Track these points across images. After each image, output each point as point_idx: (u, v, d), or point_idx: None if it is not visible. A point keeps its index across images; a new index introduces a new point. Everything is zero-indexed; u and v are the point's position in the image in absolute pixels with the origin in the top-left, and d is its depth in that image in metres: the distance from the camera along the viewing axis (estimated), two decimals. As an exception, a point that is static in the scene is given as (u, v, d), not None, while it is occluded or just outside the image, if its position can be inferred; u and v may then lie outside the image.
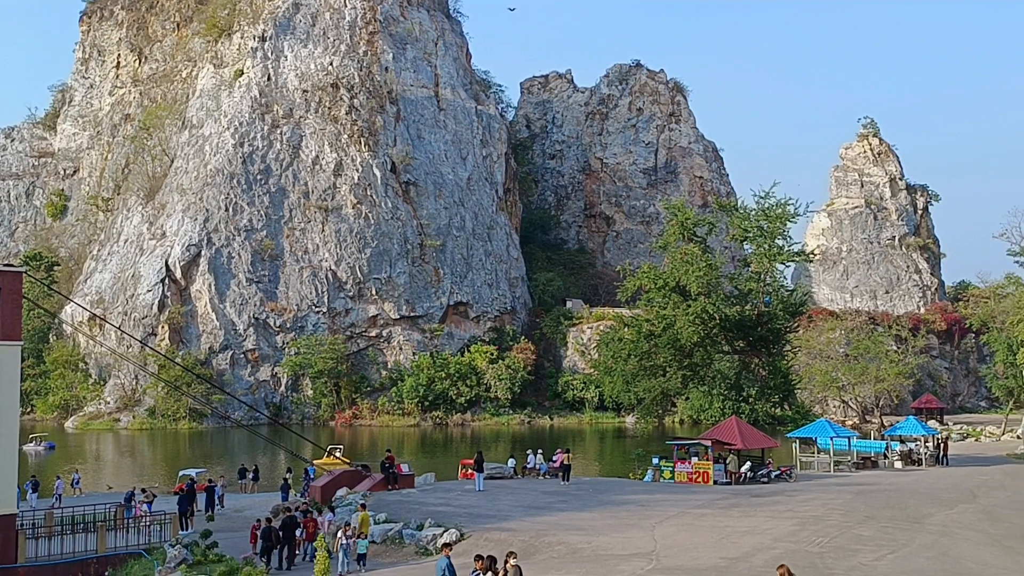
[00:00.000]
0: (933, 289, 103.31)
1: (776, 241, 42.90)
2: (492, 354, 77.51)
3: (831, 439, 37.62)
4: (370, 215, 77.53)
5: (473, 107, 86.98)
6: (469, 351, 78.42)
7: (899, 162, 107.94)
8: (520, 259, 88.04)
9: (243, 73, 79.40)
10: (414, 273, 78.64)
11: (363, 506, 22.13)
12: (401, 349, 77.80)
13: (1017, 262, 49.39)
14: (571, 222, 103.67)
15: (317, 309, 76.31)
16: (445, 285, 79.70)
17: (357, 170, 78.11)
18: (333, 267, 76.65)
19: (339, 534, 19.18)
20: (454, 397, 75.92)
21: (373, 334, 77.68)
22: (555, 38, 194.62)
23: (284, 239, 76.52)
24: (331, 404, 75.20)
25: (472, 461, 31.06)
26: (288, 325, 75.59)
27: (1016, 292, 58.93)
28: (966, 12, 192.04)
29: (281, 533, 20.04)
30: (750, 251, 46.08)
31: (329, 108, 79.23)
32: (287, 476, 32.62)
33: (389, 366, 77.49)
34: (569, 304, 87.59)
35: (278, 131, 78.59)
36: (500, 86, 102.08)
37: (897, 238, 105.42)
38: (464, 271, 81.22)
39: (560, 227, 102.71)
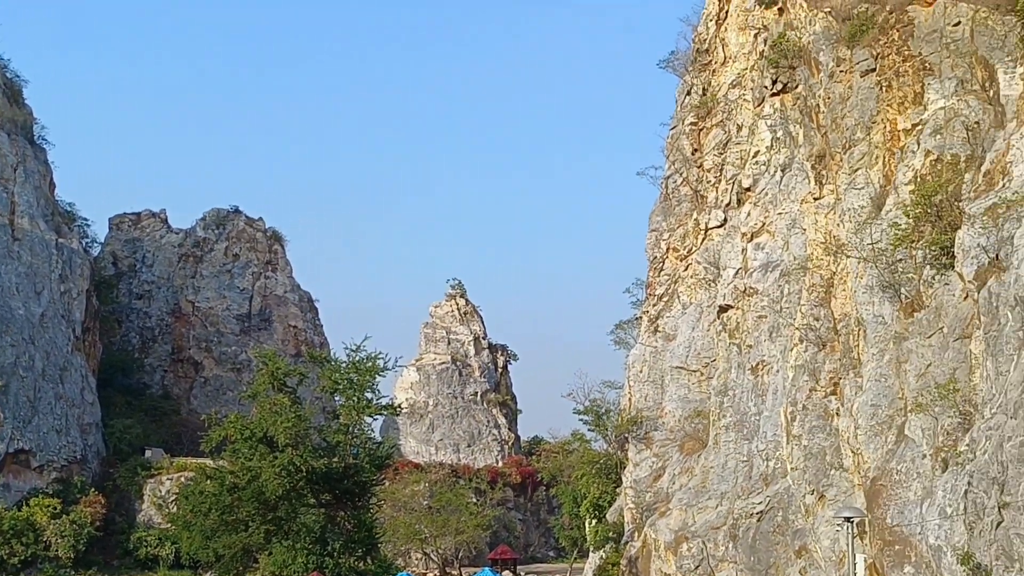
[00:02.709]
0: (510, 443, 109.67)
1: (366, 394, 43.73)
2: (56, 508, 70.60)
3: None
4: (-81, 351, 68.75)
5: (53, 239, 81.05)
6: (28, 505, 70.84)
7: (483, 322, 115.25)
8: (96, 404, 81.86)
9: None
10: (-31, 417, 70.29)
11: None
12: (-55, 503, 68.46)
13: (581, 420, 54.00)
14: (156, 366, 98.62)
15: None
16: (5, 431, 71.94)
17: (-92, 299, 69.39)
18: None
19: None
20: (5, 557, 67.78)
21: (-89, 486, 67.80)
22: (151, 175, 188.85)
23: None
24: None
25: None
26: None
27: (581, 448, 64.28)
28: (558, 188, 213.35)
29: None
30: (340, 403, 46.52)
31: None
32: None
33: (-74, 523, 67.71)
34: (148, 454, 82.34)
35: None
36: (87, 220, 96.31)
37: (479, 394, 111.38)
38: (29, 415, 73.95)
39: (144, 371, 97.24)
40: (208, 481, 42.99)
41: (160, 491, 78.35)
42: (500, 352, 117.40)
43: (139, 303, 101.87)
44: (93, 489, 77.87)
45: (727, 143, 43.10)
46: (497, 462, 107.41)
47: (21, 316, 75.66)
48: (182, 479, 71.56)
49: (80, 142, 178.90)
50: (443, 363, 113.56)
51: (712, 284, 42.46)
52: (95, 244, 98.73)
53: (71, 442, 77.60)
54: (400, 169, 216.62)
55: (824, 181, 35.34)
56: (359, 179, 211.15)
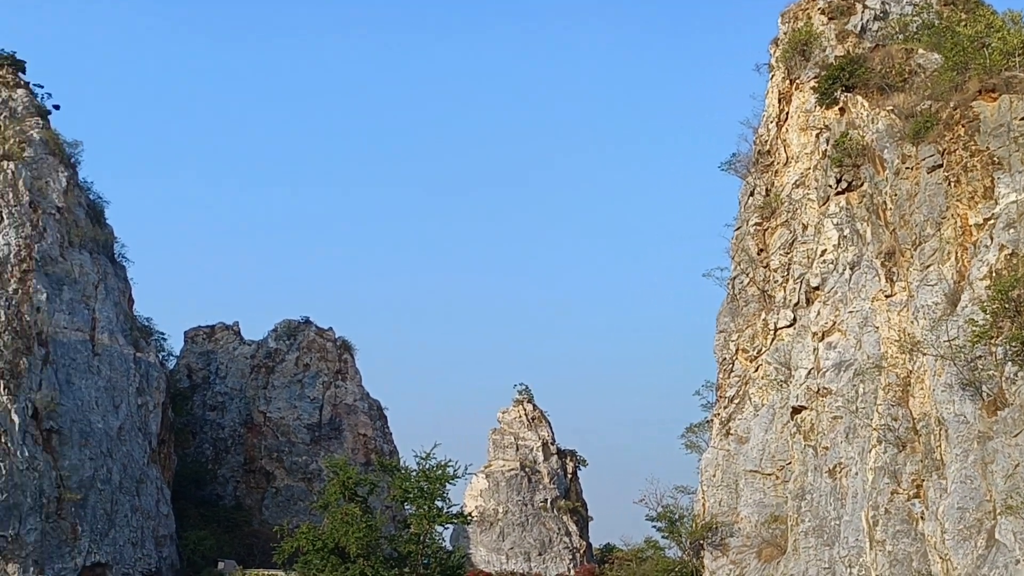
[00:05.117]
0: (582, 551, 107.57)
1: (436, 502, 43.58)
2: (131, 622, 70.62)
3: None
4: (2, 464, 70.25)
5: (131, 354, 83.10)
6: (104, 619, 70.98)
7: (551, 427, 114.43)
8: (171, 515, 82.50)
9: None
10: (47, 530, 71.20)
11: None
12: (23, 618, 68.96)
13: (654, 526, 53.01)
14: (229, 477, 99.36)
15: (-76, 571, 66.71)
16: (83, 544, 72.65)
17: (-8, 414, 71.30)
18: (-50, 522, 67.94)
19: None
20: (81, 673, 67.70)
21: (-10, 600, 68.56)
22: (224, 289, 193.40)
23: None
24: None
25: None
26: None
27: (654, 555, 62.89)
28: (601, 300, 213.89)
29: None
30: (411, 512, 46.38)
31: (-34, 346, 72.78)
32: None
33: (6, 638, 68.13)
34: (221, 565, 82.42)
35: (-99, 368, 70.81)
36: (163, 334, 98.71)
37: (549, 501, 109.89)
38: (106, 528, 74.73)
39: (217, 482, 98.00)
40: (280, 593, 42.94)
41: (232, 604, 78.03)
42: (569, 458, 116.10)
43: (212, 414, 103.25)
44: (166, 602, 77.88)
45: (793, 242, 43.04)
46: (569, 570, 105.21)
47: (100, 430, 77.25)
48: (254, 591, 71.31)
49: (158, 259, 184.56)
50: (512, 470, 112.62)
51: (783, 385, 41.88)
52: (171, 357, 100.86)
53: (147, 554, 78.02)
54: (462, 275, 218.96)
55: (895, 278, 35.00)
56: (424, 288, 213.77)
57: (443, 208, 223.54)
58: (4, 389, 72.44)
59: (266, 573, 68.53)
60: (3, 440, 71.02)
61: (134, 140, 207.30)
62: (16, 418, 72.39)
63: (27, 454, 72.23)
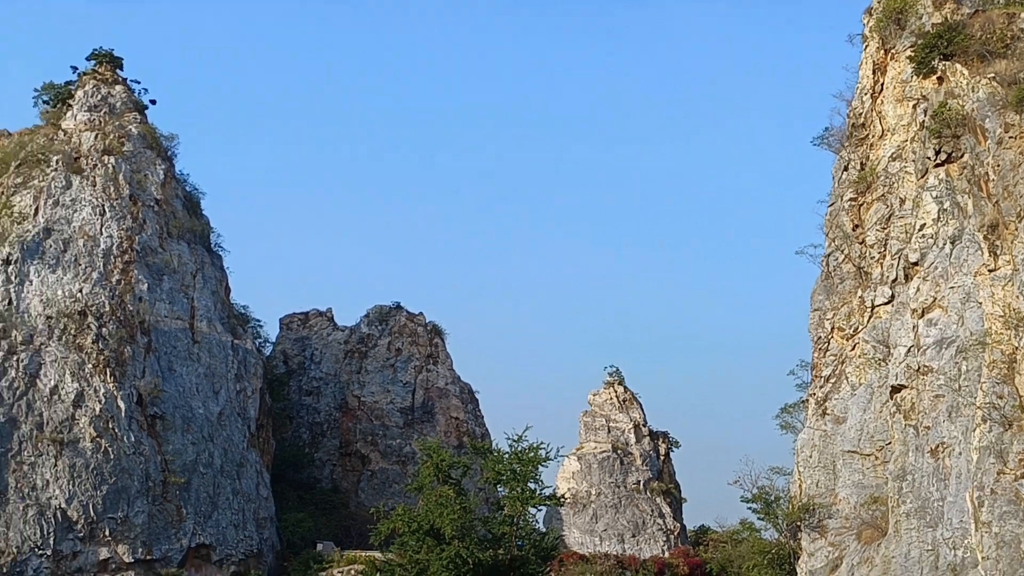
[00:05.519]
0: (676, 533, 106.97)
1: (529, 484, 43.72)
2: (235, 601, 72.68)
3: None
4: (110, 449, 72.87)
5: (229, 341, 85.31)
6: (209, 598, 73.20)
7: (642, 409, 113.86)
8: (270, 498, 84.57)
9: (-19, 295, 75.06)
10: (154, 512, 73.69)
11: None
12: (133, 597, 71.53)
13: (749, 508, 52.42)
14: (325, 460, 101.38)
15: (40, 552, 69.52)
16: (187, 525, 75.00)
17: (100, 401, 73.94)
18: (63, 505, 70.72)
19: None
20: (189, 650, 70.02)
21: (102, 580, 71.21)
22: (319, 276, 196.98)
23: (10, 474, 70.27)
24: (46, 661, 67.19)
25: None
26: (4, 570, 68.21)
27: (750, 537, 62.27)
28: (700, 271, 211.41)
29: None
30: (503, 494, 46.63)
31: (74, 336, 75.50)
32: None
33: (118, 617, 70.74)
34: (320, 547, 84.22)
35: (14, 358, 73.80)
36: (259, 321, 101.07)
37: (642, 483, 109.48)
38: (209, 511, 76.98)
39: (314, 465, 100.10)
40: (378, 574, 43.66)
41: (331, 584, 79.69)
42: (661, 439, 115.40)
43: (308, 399, 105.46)
44: (269, 582, 79.98)
45: (890, 217, 41.87)
46: (663, 553, 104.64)
47: (201, 415, 79.50)
48: (352, 572, 72.67)
49: (253, 248, 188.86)
50: (604, 452, 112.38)
51: (882, 363, 40.87)
52: (267, 344, 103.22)
53: (248, 536, 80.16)
54: (550, 257, 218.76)
55: (998, 252, 33.83)
56: (513, 271, 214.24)
57: (532, 189, 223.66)
58: (110, 377, 75.07)
59: (363, 554, 69.75)
60: (111, 426, 73.64)
61: (228, 131, 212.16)
62: (122, 405, 74.96)
63: (133, 439, 74.78)
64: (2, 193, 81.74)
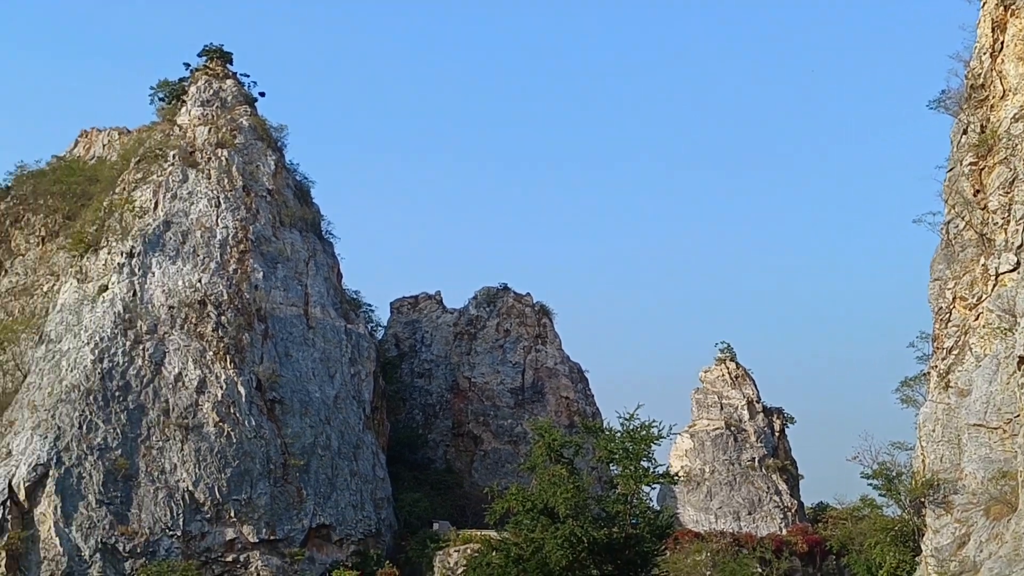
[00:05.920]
0: (793, 510, 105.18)
1: (642, 463, 43.51)
2: (356, 579, 74.42)
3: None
4: (232, 433, 75.34)
5: (343, 326, 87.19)
6: (331, 576, 75.18)
7: (755, 385, 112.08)
8: (386, 479, 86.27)
9: (107, 288, 78.15)
10: (276, 494, 75.96)
11: None
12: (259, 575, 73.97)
13: (870, 484, 51.14)
14: (439, 441, 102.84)
15: (171, 533, 72.41)
16: (308, 506, 77.09)
17: (221, 387, 76.44)
18: (191, 488, 73.47)
19: None
20: (314, 626, 72.09)
21: (229, 559, 73.66)
22: (426, 260, 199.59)
23: (140, 458, 73.31)
24: (180, 637, 70.05)
25: None
26: (139, 550, 71.28)
27: (872, 514, 60.80)
28: (815, 243, 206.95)
29: None
30: (616, 472, 46.53)
31: (195, 325, 78.18)
32: None
33: (245, 594, 73.20)
34: (436, 526, 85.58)
35: (140, 347, 76.78)
36: (370, 305, 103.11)
37: (757, 460, 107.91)
38: (328, 492, 78.95)
39: (428, 446, 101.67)
40: (494, 553, 44.09)
41: (448, 563, 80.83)
42: (776, 415, 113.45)
43: (420, 381, 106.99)
44: (388, 561, 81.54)
45: (1013, 181, 40.14)
46: (780, 530, 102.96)
47: (317, 399, 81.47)
48: (468, 551, 73.55)
49: (362, 234, 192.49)
50: (717, 429, 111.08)
51: (1008, 333, 39.27)
52: (379, 328, 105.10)
53: (366, 516, 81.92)
54: (659, 234, 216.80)
55: None
56: (620, 249, 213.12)
57: (637, 167, 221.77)
58: (230, 363, 77.48)
59: (479, 533, 70.47)
60: (232, 411, 76.07)
61: (336, 120, 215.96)
62: (242, 390, 77.31)
63: (254, 423, 77.10)
64: (124, 189, 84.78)
